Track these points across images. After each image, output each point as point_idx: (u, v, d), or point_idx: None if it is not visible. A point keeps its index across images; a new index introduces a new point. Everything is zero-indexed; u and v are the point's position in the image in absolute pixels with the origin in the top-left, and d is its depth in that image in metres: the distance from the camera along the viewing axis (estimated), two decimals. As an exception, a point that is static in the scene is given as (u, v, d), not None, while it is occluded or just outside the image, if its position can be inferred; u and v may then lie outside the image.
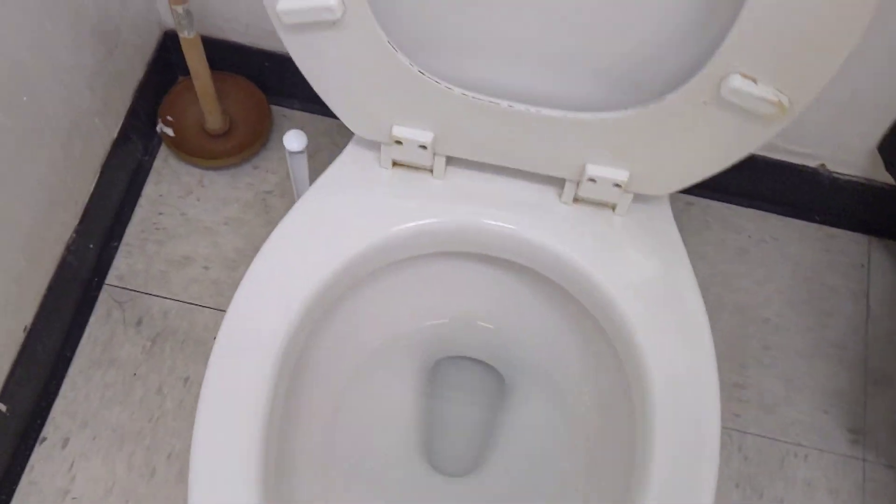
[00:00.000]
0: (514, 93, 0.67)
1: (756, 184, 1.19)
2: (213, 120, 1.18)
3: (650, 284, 0.72)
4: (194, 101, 1.17)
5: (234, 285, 1.16)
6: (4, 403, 0.99)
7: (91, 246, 1.11)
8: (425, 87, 0.67)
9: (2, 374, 0.98)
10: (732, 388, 1.14)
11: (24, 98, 0.90)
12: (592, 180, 0.70)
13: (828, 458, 1.11)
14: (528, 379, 0.88)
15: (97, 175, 1.09)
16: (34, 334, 1.02)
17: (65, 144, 1.00)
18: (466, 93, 0.66)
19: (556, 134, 0.67)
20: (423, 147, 0.71)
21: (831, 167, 1.14)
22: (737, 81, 0.59)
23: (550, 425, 0.87)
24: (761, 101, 0.60)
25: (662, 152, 0.66)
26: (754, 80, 0.59)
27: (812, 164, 1.14)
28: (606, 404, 0.83)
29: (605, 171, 0.69)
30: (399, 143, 0.72)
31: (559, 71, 0.67)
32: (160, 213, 1.19)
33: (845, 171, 1.14)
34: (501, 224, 0.74)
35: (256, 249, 1.16)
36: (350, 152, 0.76)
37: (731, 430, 1.12)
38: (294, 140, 0.80)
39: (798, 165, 1.14)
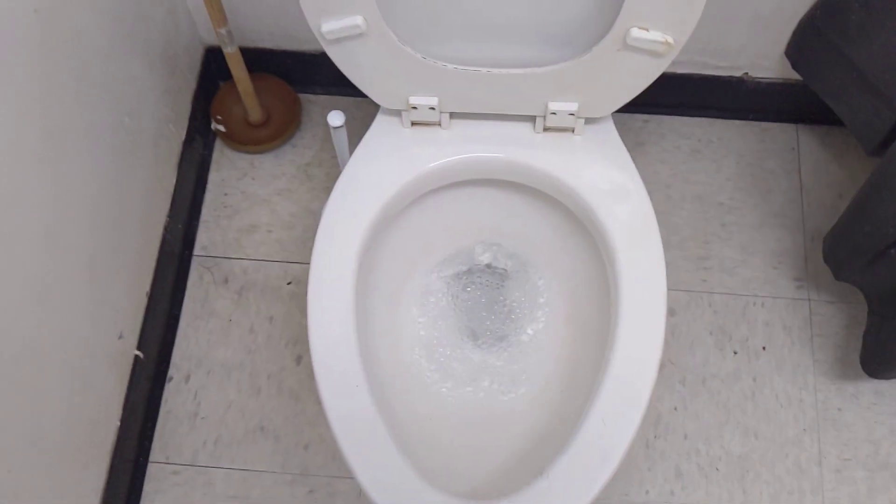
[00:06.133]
0: (490, 62, 0.96)
1: (695, 97, 1.47)
2: (255, 113, 1.46)
3: (605, 179, 1.01)
4: (237, 101, 1.45)
5: (294, 242, 1.47)
6: (141, 351, 1.29)
7: (180, 226, 1.41)
8: (428, 67, 0.95)
9: (137, 330, 1.29)
10: (699, 260, 1.43)
11: (125, 119, 1.19)
12: (554, 113, 0.98)
13: (780, 303, 1.41)
14: (521, 272, 1.18)
15: (176, 170, 1.39)
16: (153, 297, 1.32)
17: (153, 149, 1.29)
18: (458, 67, 0.95)
19: (524, 85, 0.96)
20: (433, 108, 1.00)
21: (753, 74, 1.41)
22: (635, 32, 0.87)
23: (531, 299, 1.16)
24: (655, 43, 0.88)
25: (597, 86, 0.95)
26: (647, 29, 0.87)
27: (737, 73, 1.42)
28: (578, 279, 1.12)
29: (561, 105, 0.97)
30: (414, 108, 1.00)
31: (518, 42, 0.95)
32: (225, 194, 1.48)
33: (765, 75, 1.41)
34: (495, 154, 1.03)
35: (307, 211, 1.48)
36: (380, 120, 1.05)
37: (701, 293, 1.41)
38: (336, 118, 1.07)
39: (726, 77, 1.42)
